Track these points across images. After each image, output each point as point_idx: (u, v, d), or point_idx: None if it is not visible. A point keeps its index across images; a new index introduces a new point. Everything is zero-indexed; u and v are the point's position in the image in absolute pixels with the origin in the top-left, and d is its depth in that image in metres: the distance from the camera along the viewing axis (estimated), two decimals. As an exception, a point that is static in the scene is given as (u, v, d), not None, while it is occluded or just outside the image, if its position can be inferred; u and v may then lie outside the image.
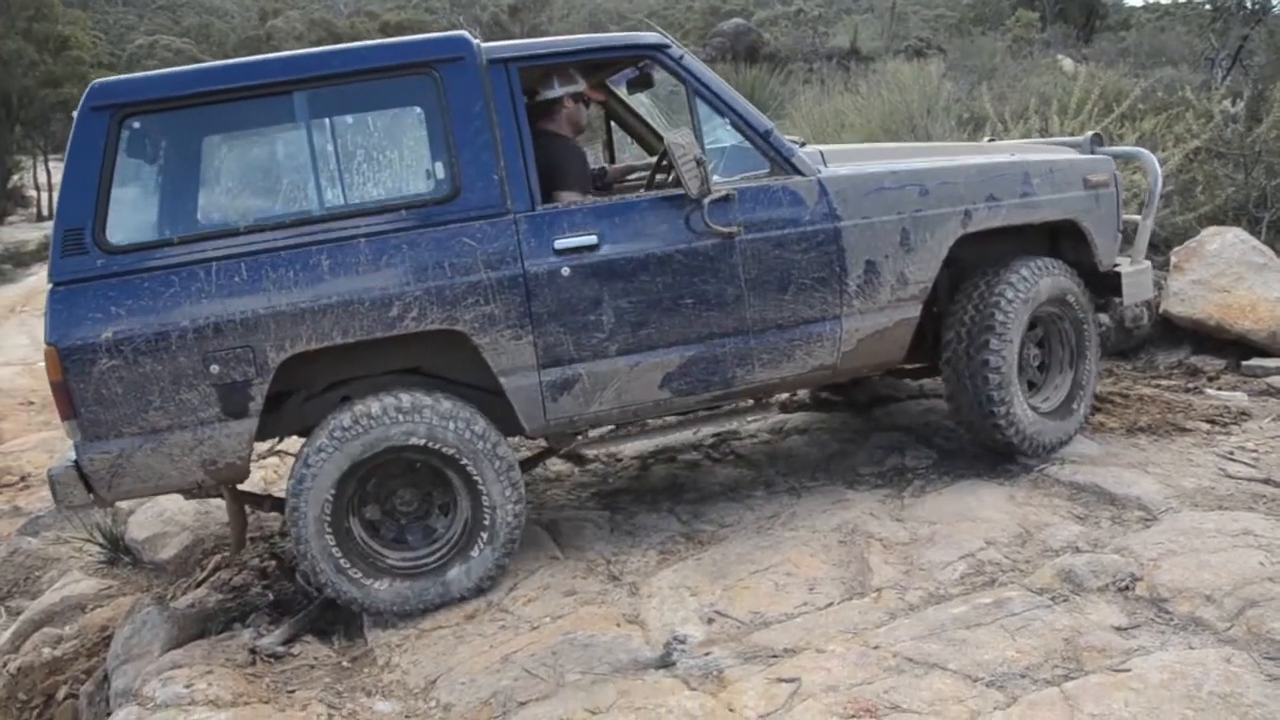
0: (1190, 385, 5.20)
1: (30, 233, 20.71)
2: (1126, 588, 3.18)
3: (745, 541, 3.86)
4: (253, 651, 3.64)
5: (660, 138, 4.44)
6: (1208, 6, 21.35)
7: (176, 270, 3.44)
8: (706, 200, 3.69)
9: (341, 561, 3.61)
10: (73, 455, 3.52)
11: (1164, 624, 2.98)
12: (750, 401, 4.18)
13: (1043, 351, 4.29)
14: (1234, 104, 7.81)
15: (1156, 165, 4.36)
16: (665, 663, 3.16)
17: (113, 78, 3.58)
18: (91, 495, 3.53)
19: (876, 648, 3.00)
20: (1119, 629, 2.97)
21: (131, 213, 3.56)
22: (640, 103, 4.89)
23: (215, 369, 3.43)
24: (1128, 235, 4.45)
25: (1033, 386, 4.26)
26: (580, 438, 4.05)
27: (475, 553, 3.69)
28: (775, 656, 3.07)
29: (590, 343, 3.68)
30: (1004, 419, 4.04)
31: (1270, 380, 5.10)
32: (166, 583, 4.67)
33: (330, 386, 3.79)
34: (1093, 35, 23.36)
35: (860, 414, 5.22)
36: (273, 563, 4.48)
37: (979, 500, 3.92)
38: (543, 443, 4.42)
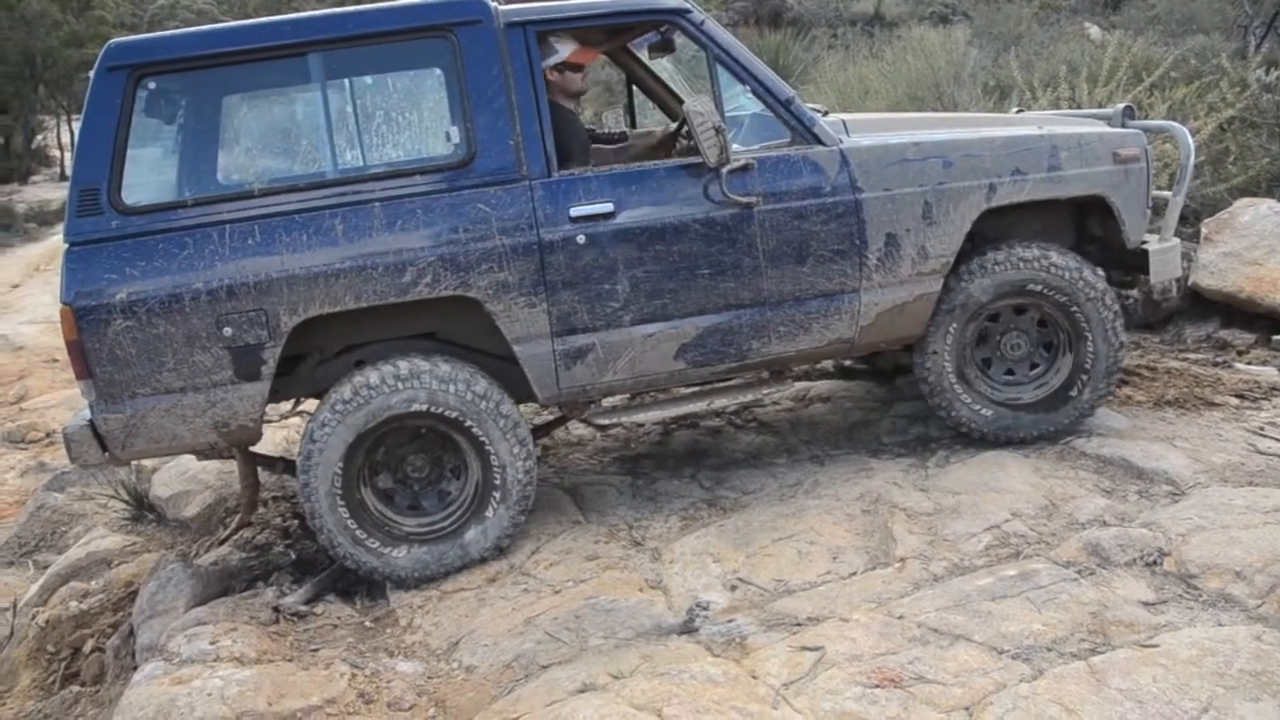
0: (1219, 359, 5.13)
1: (53, 192, 20.77)
2: (1154, 563, 3.16)
3: (768, 509, 3.85)
4: (276, 610, 3.67)
5: (681, 102, 4.38)
6: (1242, -27, 20.92)
7: (191, 232, 3.44)
8: (725, 169, 3.63)
9: (358, 533, 3.63)
10: (87, 414, 3.54)
11: (1192, 600, 2.95)
12: (766, 374, 4.15)
13: (1028, 340, 4.15)
14: (1269, 73, 7.66)
15: (1189, 140, 4.24)
16: (688, 629, 3.16)
17: (129, 37, 3.57)
18: (106, 454, 3.55)
19: (901, 618, 2.99)
20: (1147, 604, 2.95)
21: (147, 174, 3.56)
22: (663, 67, 4.81)
23: (228, 331, 3.43)
24: (1157, 210, 4.35)
25: (1012, 374, 4.15)
26: (594, 406, 4.02)
27: (490, 513, 3.70)
28: (798, 625, 3.07)
29: (605, 311, 3.65)
30: (949, 419, 4.11)
31: (1302, 357, 5.04)
32: (190, 540, 4.71)
33: (344, 350, 3.78)
34: (1121, 2, 22.95)
35: (884, 382, 5.18)
36: (295, 522, 4.51)
37: (1004, 471, 3.88)
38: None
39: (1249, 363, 5.05)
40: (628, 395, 4.11)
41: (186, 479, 5.15)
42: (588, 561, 3.67)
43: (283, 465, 4.21)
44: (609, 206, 3.62)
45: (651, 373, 3.80)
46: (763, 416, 4.98)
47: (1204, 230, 5.69)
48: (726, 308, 3.75)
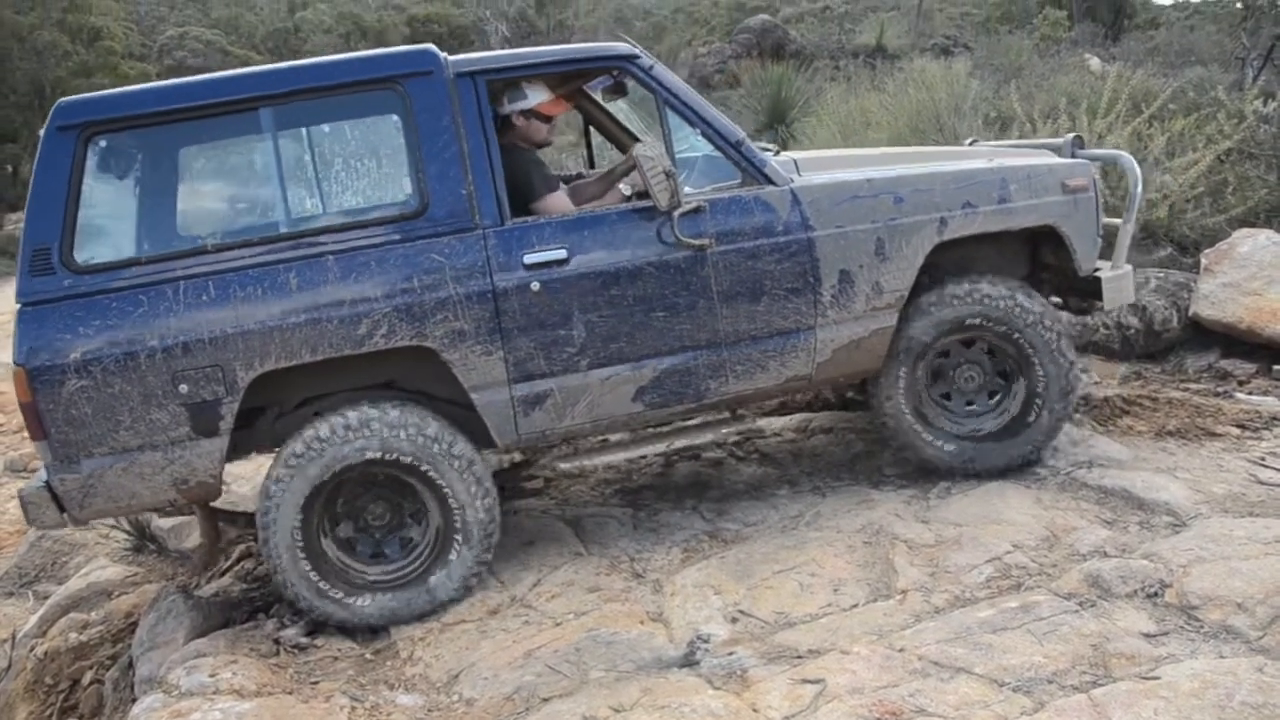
0: (1220, 389, 5.14)
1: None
2: (1155, 594, 3.15)
3: (769, 541, 3.85)
4: (276, 642, 3.67)
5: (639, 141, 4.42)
6: (1239, 5, 21.10)
7: (144, 289, 3.42)
8: (677, 212, 3.65)
9: (320, 585, 3.62)
10: (44, 475, 3.50)
11: (1194, 632, 2.94)
12: (726, 413, 4.16)
13: (981, 370, 4.18)
14: (1266, 104, 7.71)
15: (1137, 169, 4.28)
16: (689, 661, 3.15)
17: (78, 96, 3.56)
18: (64, 515, 3.53)
19: (902, 650, 2.99)
20: (1148, 636, 2.94)
21: (99, 232, 3.54)
22: (619, 108, 4.86)
23: (185, 388, 3.42)
24: (1110, 239, 4.36)
25: (972, 405, 4.18)
26: (554, 451, 4.03)
27: (454, 555, 3.68)
28: (799, 657, 3.06)
29: (561, 357, 3.66)
30: (915, 460, 4.19)
31: (1301, 386, 5.04)
32: (190, 571, 4.70)
33: (303, 403, 3.77)
34: (1121, 34, 23.12)
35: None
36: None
37: (1005, 503, 3.89)
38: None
39: (1250, 393, 5.06)
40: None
41: (188, 510, 5.15)
42: (589, 594, 3.66)
43: (244, 520, 4.17)
44: (562, 253, 3.63)
45: (610, 416, 3.80)
46: (764, 448, 4.98)
47: (1204, 261, 5.72)
48: (683, 349, 3.76)
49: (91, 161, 3.46)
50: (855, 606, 3.33)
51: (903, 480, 4.32)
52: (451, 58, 3.69)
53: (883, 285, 3.89)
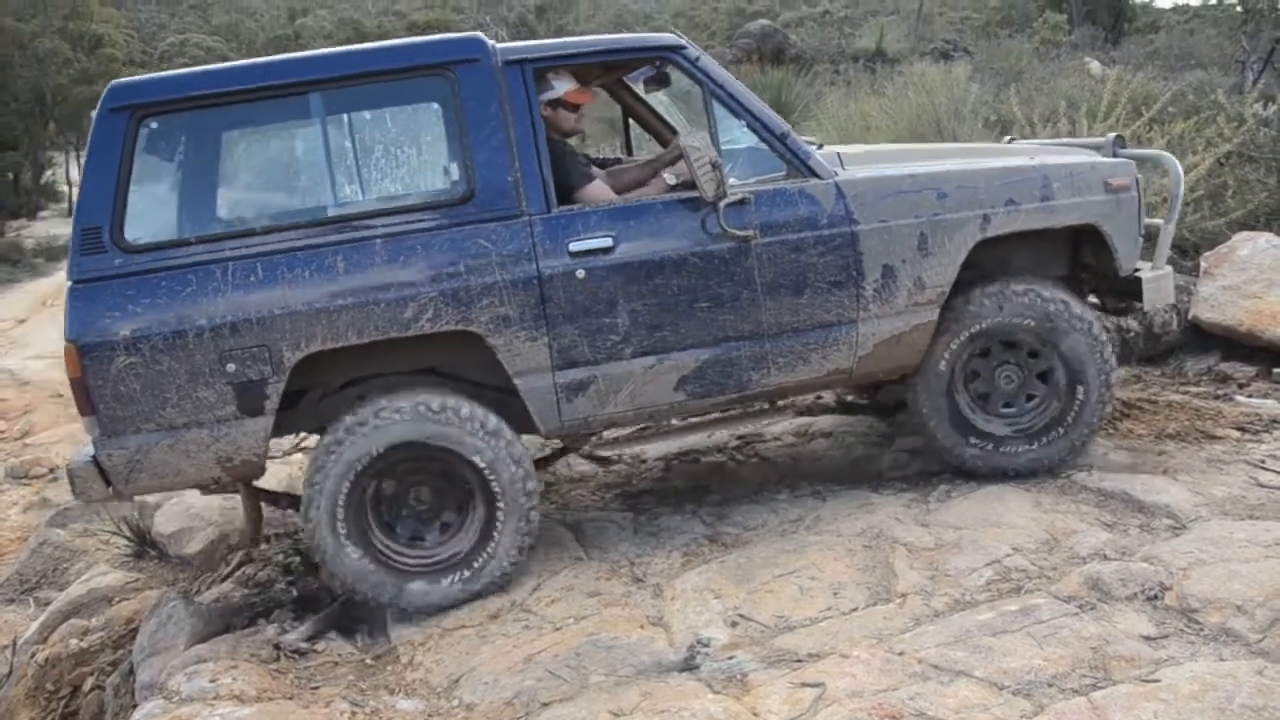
0: (1220, 392, 5.14)
1: (62, 227, 20.92)
2: (1155, 597, 3.15)
3: (769, 545, 3.85)
4: (277, 647, 3.67)
5: (676, 134, 4.43)
6: (1238, 9, 21.12)
7: (194, 269, 3.47)
8: (722, 203, 3.68)
9: (361, 565, 3.64)
10: (91, 449, 3.55)
11: (1194, 634, 2.94)
12: (766, 405, 4.15)
13: (1022, 373, 4.16)
14: (1265, 107, 7.72)
15: (1179, 169, 4.26)
16: (689, 666, 3.15)
17: (131, 79, 3.61)
18: (109, 489, 3.56)
19: (902, 654, 2.99)
20: (1148, 639, 2.94)
21: (149, 212, 3.58)
22: (659, 100, 4.87)
23: (231, 367, 3.46)
24: (1150, 239, 4.38)
25: (1009, 407, 4.16)
26: (596, 439, 4.04)
27: (493, 544, 3.71)
28: (799, 661, 3.06)
29: (605, 344, 3.69)
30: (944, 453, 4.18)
31: (1302, 389, 5.04)
32: (192, 577, 4.71)
33: (347, 384, 3.81)
34: (1121, 38, 23.14)
35: (885, 417, 5.19)
36: (296, 558, 4.51)
37: (1005, 506, 3.88)
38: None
39: (1250, 395, 5.05)
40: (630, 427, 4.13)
41: (189, 515, 5.16)
42: (589, 598, 3.66)
43: (287, 500, 4.22)
44: (608, 241, 3.66)
45: (652, 404, 3.82)
46: (764, 452, 4.99)
47: (1203, 264, 5.72)
48: (725, 339, 3.77)
49: (143, 143, 3.50)
50: (855, 610, 3.32)
51: (903, 484, 4.33)
52: (499, 45, 3.73)
53: (925, 280, 3.89)
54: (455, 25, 27.17)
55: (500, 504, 3.69)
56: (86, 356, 3.40)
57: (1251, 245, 5.65)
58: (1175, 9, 28.51)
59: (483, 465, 3.65)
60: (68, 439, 8.59)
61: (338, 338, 3.51)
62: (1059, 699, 2.70)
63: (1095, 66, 13.41)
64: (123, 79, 3.61)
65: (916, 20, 28.11)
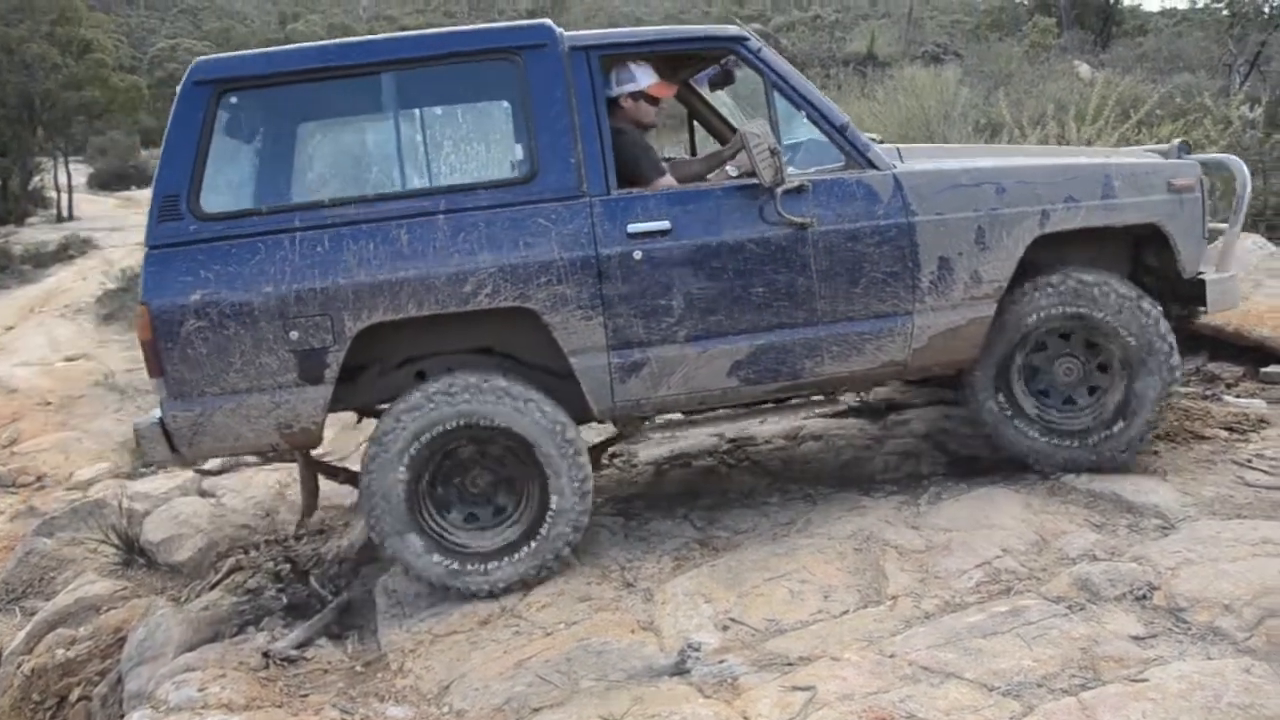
0: (1208, 392, 5.15)
1: (50, 234, 20.82)
2: (1144, 597, 3.15)
3: (760, 548, 3.84)
4: (266, 655, 3.66)
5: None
6: (1225, 12, 21.25)
7: (263, 238, 3.59)
8: (780, 190, 3.70)
9: (416, 544, 3.72)
10: (157, 413, 3.67)
11: (1182, 633, 2.94)
12: (819, 395, 4.15)
13: (1082, 366, 4.12)
14: (1252, 110, 7.78)
15: (1246, 172, 4.20)
16: (680, 670, 3.14)
17: (215, 55, 3.82)
18: (173, 453, 3.67)
19: (892, 656, 2.98)
20: (1136, 638, 2.94)
21: (225, 182, 3.74)
22: (723, 102, 4.92)
23: (295, 335, 3.56)
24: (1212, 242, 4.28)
25: (1069, 402, 4.13)
26: (647, 422, 4.05)
27: (544, 529, 3.76)
28: (790, 664, 3.06)
29: (660, 327, 3.72)
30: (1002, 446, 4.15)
31: (1288, 389, 5.06)
32: (181, 585, 4.70)
33: (404, 362, 3.89)
34: (1109, 41, 23.25)
35: (875, 420, 5.19)
36: (286, 566, 4.50)
37: (995, 508, 3.88)
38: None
39: (1238, 395, 5.07)
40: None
41: (178, 523, 5.14)
42: (580, 603, 3.65)
43: (344, 475, 4.31)
44: (666, 224, 3.71)
45: (704, 389, 3.84)
46: (755, 455, 4.99)
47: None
48: (780, 326, 3.79)
49: (222, 116, 3.65)
50: (846, 613, 3.32)
51: (893, 486, 4.33)
52: (567, 33, 3.80)
53: (982, 274, 3.88)
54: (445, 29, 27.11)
55: (554, 487, 3.74)
56: (157, 319, 3.52)
57: (1239, 246, 5.66)
58: (1163, 12, 28.72)
59: (539, 447, 3.70)
60: (55, 447, 8.56)
61: (398, 309, 3.59)
62: (1048, 699, 2.70)
63: (1084, 69, 13.48)
64: (206, 56, 3.81)
65: (907, 24, 28.19)
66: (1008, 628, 3.04)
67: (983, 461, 4.44)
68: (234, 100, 3.67)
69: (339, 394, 3.70)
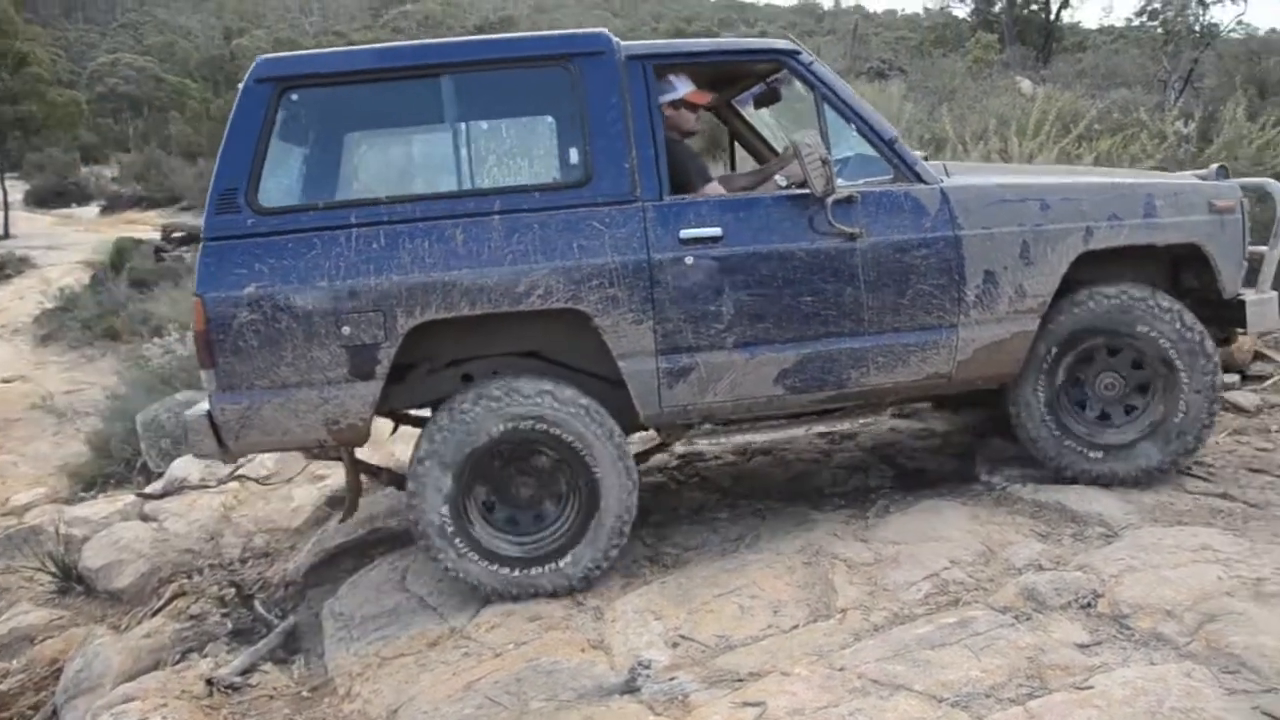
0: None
1: (-14, 249, 20.37)
2: (1089, 605, 3.19)
3: (710, 564, 3.84)
4: (209, 683, 3.59)
5: (777, 154, 4.52)
6: (1160, 31, 21.81)
7: (319, 233, 3.60)
8: (830, 200, 3.75)
9: (461, 546, 3.71)
10: (205, 406, 3.67)
11: (1126, 640, 2.98)
12: (863, 405, 4.17)
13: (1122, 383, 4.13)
14: (1186, 125, 7.97)
15: None
16: (630, 688, 3.12)
17: (277, 54, 3.87)
18: (220, 446, 3.66)
19: (842, 670, 2.99)
20: (1082, 646, 2.97)
21: (283, 177, 3.79)
22: (764, 123, 4.96)
23: (346, 330, 3.56)
24: (1253, 265, 4.31)
25: (1131, 410, 4.14)
26: (692, 429, 4.05)
27: (589, 535, 3.76)
28: (740, 680, 3.05)
29: (709, 333, 3.74)
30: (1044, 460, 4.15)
31: (1226, 396, 5.16)
32: (121, 613, 4.58)
33: (451, 364, 3.90)
34: (1050, 57, 23.74)
35: (823, 435, 5.22)
36: (231, 590, 4.41)
37: (943, 520, 3.92)
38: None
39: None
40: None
41: (119, 548, 5.02)
42: (529, 623, 3.62)
43: (388, 476, 4.34)
44: (717, 231, 3.73)
45: (751, 396, 3.85)
46: (705, 471, 4.99)
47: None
48: (827, 335, 3.81)
49: (283, 113, 3.69)
50: (795, 627, 3.33)
51: (841, 500, 4.36)
52: (624, 43, 3.86)
53: (1026, 289, 3.92)
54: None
55: (602, 493, 3.74)
56: (212, 310, 3.53)
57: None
58: (1101, 30, 29.37)
59: (591, 453, 3.72)
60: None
61: (451, 308, 3.60)
62: (996, 710, 2.71)
63: (1026, 85, 13.71)
64: (270, 55, 3.85)
65: (852, 41, 28.52)
66: (956, 639, 3.06)
67: (929, 474, 4.48)
68: (295, 98, 3.73)
69: (385, 393, 3.70)
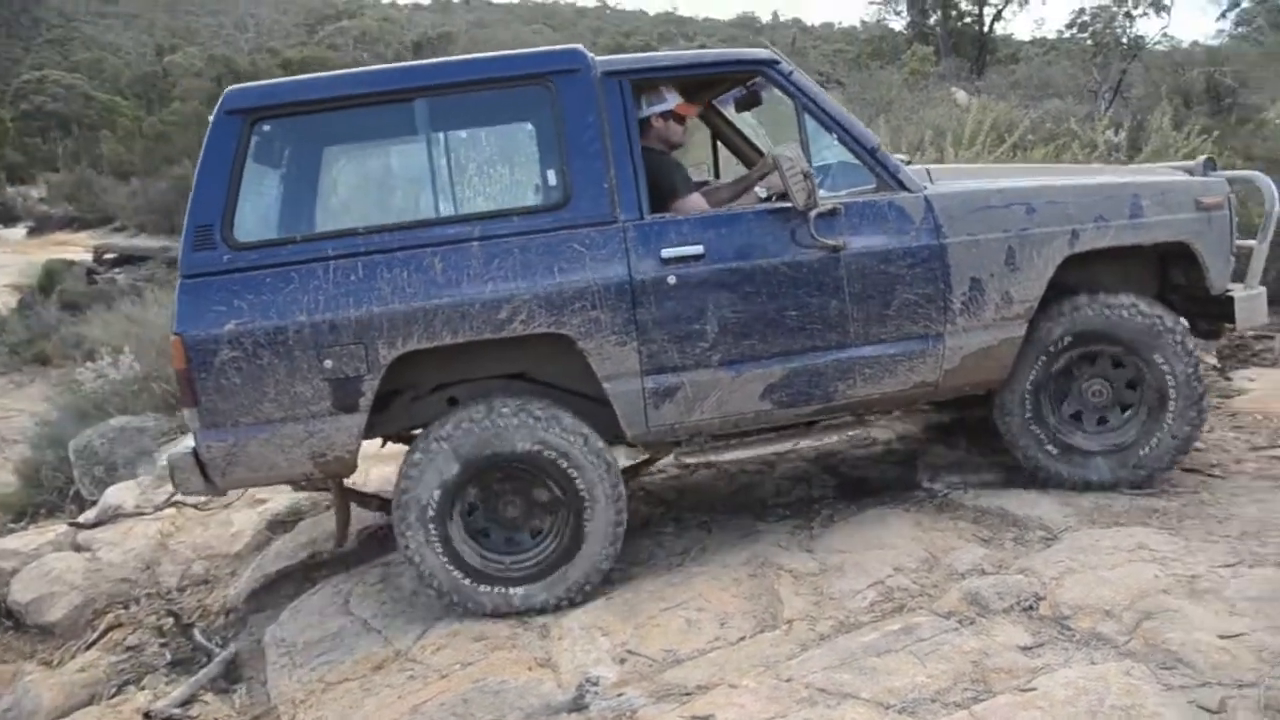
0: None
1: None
2: (1030, 607, 3.23)
3: (656, 578, 3.83)
4: (148, 715, 3.51)
5: (763, 155, 4.49)
6: (1089, 42, 22.34)
7: (297, 267, 3.56)
8: (813, 213, 3.72)
9: (449, 568, 3.70)
10: (191, 443, 3.64)
11: (1067, 641, 3.02)
12: (851, 417, 4.16)
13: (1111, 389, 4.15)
14: (1116, 134, 8.15)
15: (1274, 188, 4.21)
16: (578, 705, 3.10)
17: (247, 84, 3.77)
18: (207, 483, 3.63)
19: (789, 680, 2.99)
20: (1024, 648, 3.01)
21: (258, 211, 3.74)
22: (746, 123, 4.93)
23: (329, 363, 3.54)
24: (1241, 260, 4.32)
25: (1104, 422, 4.15)
26: (681, 446, 4.02)
27: (581, 553, 3.72)
28: (688, 694, 3.04)
29: (694, 351, 3.72)
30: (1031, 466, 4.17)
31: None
32: (53, 647, 4.44)
33: (437, 389, 3.87)
34: (985, 69, 24.22)
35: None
36: (170, 620, 4.31)
37: (886, 527, 3.95)
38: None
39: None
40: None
41: (49, 580, 4.87)
42: (475, 643, 3.58)
43: (377, 502, 4.31)
44: (699, 249, 3.70)
45: (738, 413, 3.82)
46: (649, 486, 4.98)
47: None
48: (813, 349, 3.79)
49: (255, 144, 3.63)
50: (742, 639, 3.32)
51: (786, 510, 4.37)
52: (599, 58, 3.80)
53: (1013, 295, 3.91)
54: (331, 62, 26.74)
55: (590, 513, 3.71)
56: (192, 349, 3.49)
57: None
58: (1034, 41, 29.95)
59: (575, 475, 3.69)
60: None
61: (433, 337, 3.57)
62: (942, 714, 2.73)
63: (961, 96, 13.94)
64: (239, 85, 3.76)
65: (790, 54, 28.82)
66: (901, 645, 3.08)
67: (872, 482, 4.52)
68: (267, 129, 3.68)
69: (370, 422, 3.67)
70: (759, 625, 3.40)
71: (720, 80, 4.50)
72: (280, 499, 5.53)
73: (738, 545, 4.00)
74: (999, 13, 28.42)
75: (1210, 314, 4.33)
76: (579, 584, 3.72)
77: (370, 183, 4.21)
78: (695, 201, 3.97)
